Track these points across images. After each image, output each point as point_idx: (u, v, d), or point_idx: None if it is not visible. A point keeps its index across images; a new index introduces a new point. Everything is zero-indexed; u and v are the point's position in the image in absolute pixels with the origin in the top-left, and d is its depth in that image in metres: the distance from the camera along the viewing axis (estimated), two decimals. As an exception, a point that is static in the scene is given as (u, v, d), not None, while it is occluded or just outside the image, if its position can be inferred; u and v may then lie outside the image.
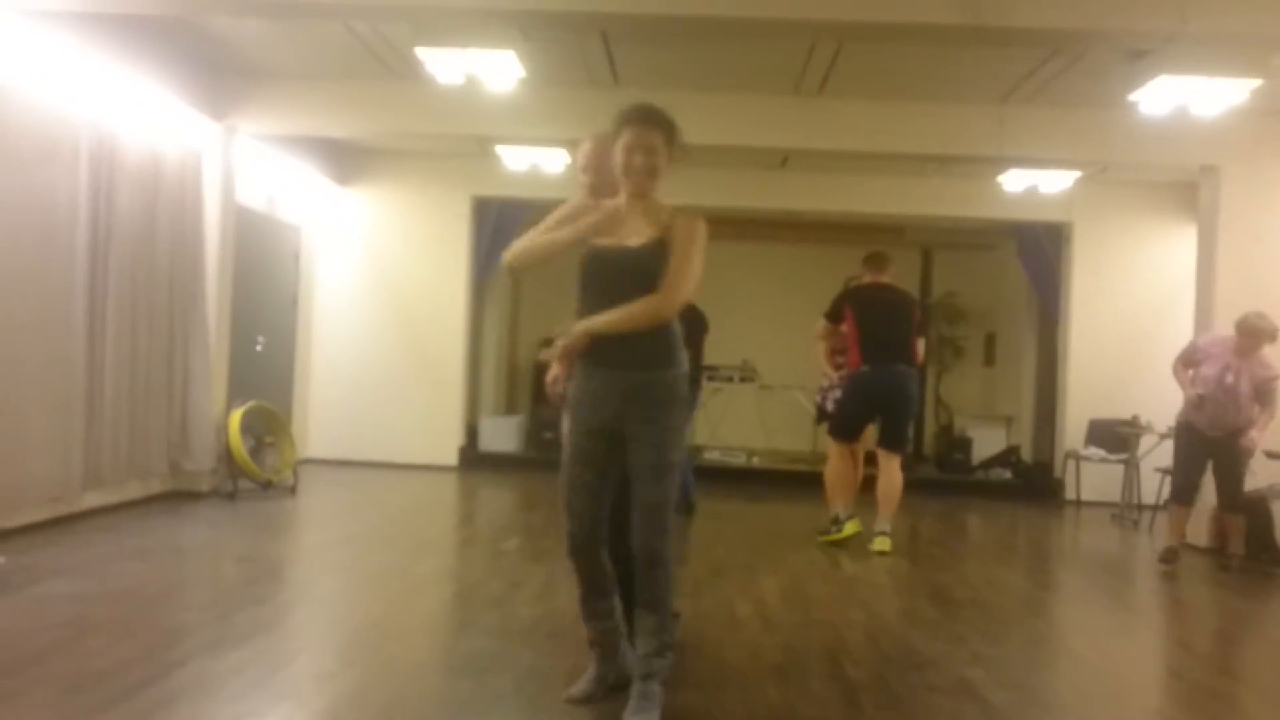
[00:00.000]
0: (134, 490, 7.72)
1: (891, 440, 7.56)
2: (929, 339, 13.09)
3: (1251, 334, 7.08)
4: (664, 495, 3.45)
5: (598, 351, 3.47)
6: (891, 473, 7.46)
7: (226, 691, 3.56)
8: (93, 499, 7.13)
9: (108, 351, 7.12)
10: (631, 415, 3.45)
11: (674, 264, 3.41)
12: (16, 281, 6.19)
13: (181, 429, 8.14)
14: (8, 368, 5.97)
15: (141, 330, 7.56)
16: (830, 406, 8.18)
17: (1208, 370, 7.17)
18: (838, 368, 8.04)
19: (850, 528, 7.53)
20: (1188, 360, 7.37)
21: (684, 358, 3.55)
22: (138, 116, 7.49)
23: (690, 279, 3.44)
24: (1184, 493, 7.42)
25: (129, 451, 7.44)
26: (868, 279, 7.81)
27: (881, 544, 7.28)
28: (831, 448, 7.79)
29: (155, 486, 8.02)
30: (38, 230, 6.38)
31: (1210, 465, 7.32)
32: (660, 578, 3.46)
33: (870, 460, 7.95)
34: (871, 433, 7.84)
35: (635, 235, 3.46)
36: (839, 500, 7.64)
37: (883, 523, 7.37)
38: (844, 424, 7.73)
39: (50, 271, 6.51)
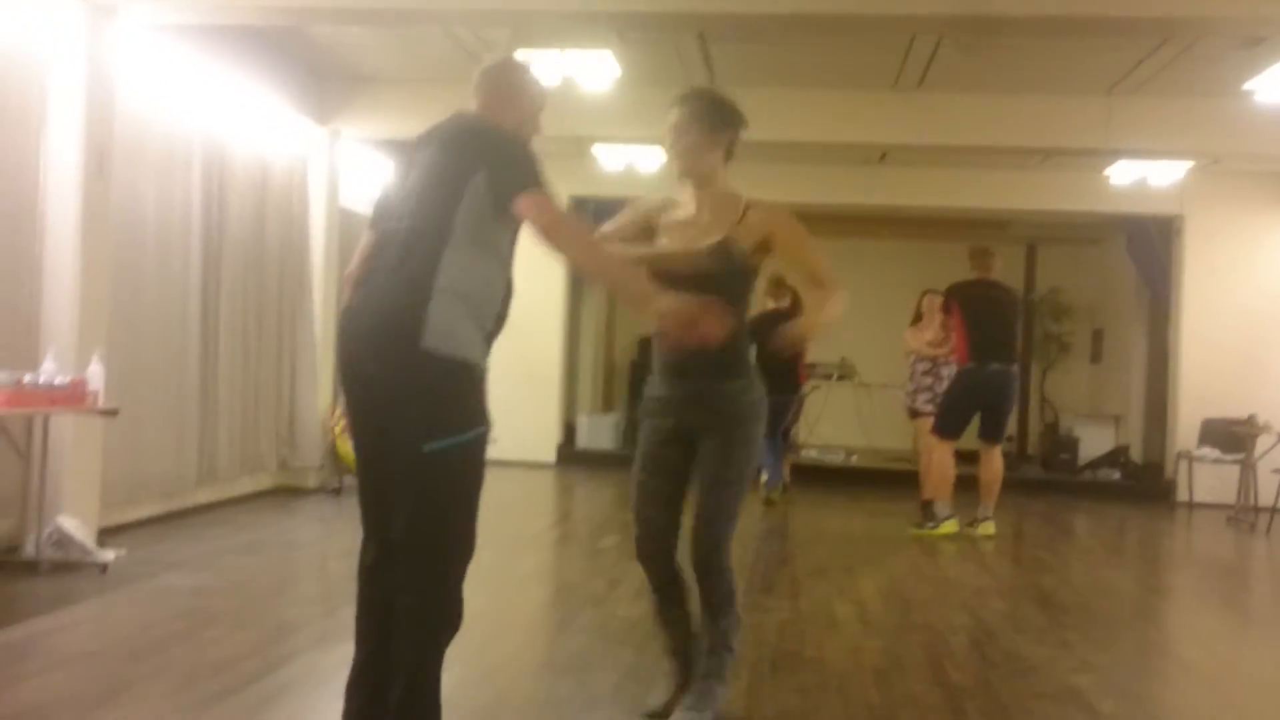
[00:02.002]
0: (244, 486, 7.96)
1: (993, 432, 7.79)
2: (1032, 335, 12.92)
3: None
4: (722, 506, 3.35)
5: (672, 359, 3.35)
6: (993, 461, 7.73)
7: (335, 686, 3.64)
8: (205, 494, 7.37)
9: (220, 352, 7.35)
10: (702, 424, 3.36)
11: (811, 260, 3.39)
12: (136, 285, 6.42)
13: (289, 426, 8.37)
14: (128, 368, 6.20)
15: (252, 331, 7.79)
16: (920, 405, 8.51)
17: None
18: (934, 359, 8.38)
19: (949, 526, 7.62)
20: None
21: (751, 367, 3.42)
22: (246, 123, 7.71)
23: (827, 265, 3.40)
24: None
25: (241, 448, 7.67)
26: (974, 275, 7.89)
27: (986, 528, 7.61)
28: (937, 445, 7.86)
29: (265, 482, 8.26)
30: (155, 237, 6.62)
31: None
32: (718, 585, 3.37)
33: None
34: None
35: (704, 234, 3.33)
36: (942, 496, 7.73)
37: (986, 509, 7.67)
38: (954, 422, 7.84)
39: (167, 276, 6.75)
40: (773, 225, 3.36)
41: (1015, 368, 7.80)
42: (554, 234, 2.82)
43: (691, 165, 3.37)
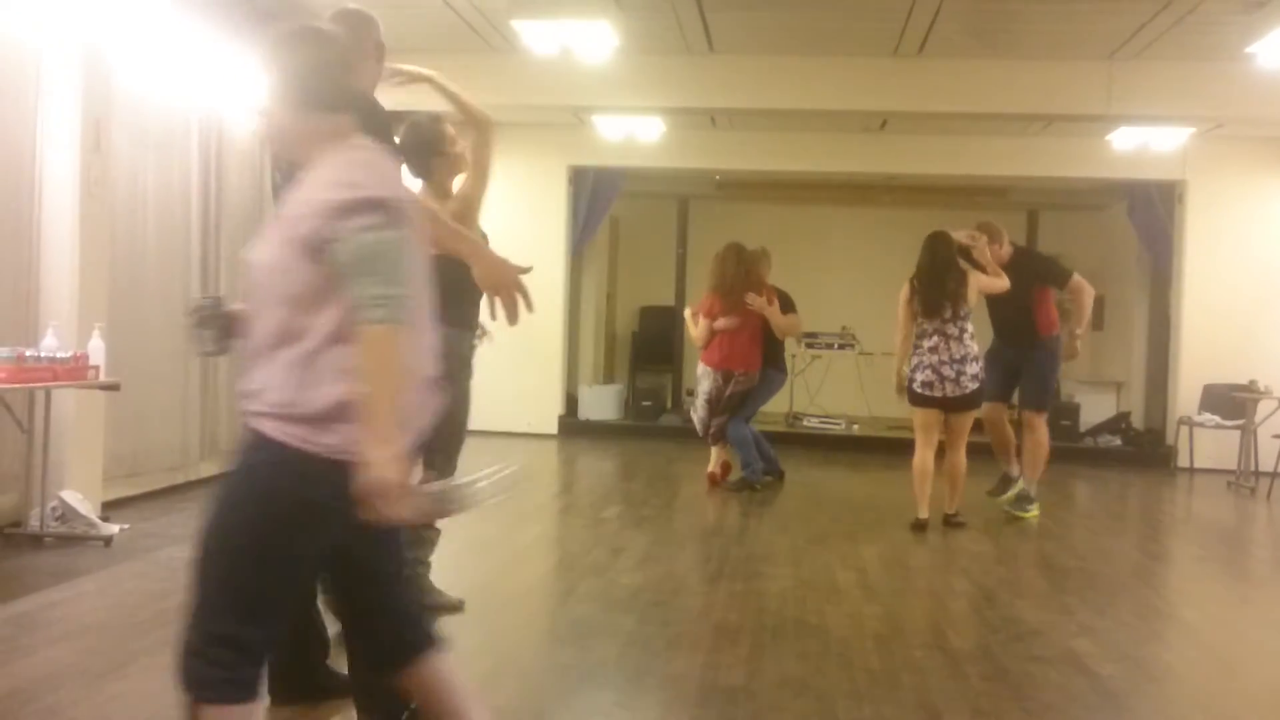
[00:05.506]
0: (248, 459, 7.96)
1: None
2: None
3: None
4: None
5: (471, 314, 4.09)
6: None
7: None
8: (208, 467, 7.37)
9: (221, 325, 7.34)
10: None
11: None
12: (137, 260, 6.42)
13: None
14: (130, 342, 6.20)
15: (252, 304, 7.79)
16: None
17: None
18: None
19: (1037, 509, 7.24)
20: None
21: None
22: (243, 94, 7.66)
23: None
24: None
25: (242, 422, 7.68)
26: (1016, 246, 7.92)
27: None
28: (1041, 422, 7.22)
29: (267, 455, 8.26)
30: (154, 211, 6.61)
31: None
32: None
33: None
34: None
35: None
36: (1038, 476, 7.28)
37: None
38: (1051, 392, 7.72)
39: (167, 249, 6.74)
40: None
41: None
42: None
43: None
